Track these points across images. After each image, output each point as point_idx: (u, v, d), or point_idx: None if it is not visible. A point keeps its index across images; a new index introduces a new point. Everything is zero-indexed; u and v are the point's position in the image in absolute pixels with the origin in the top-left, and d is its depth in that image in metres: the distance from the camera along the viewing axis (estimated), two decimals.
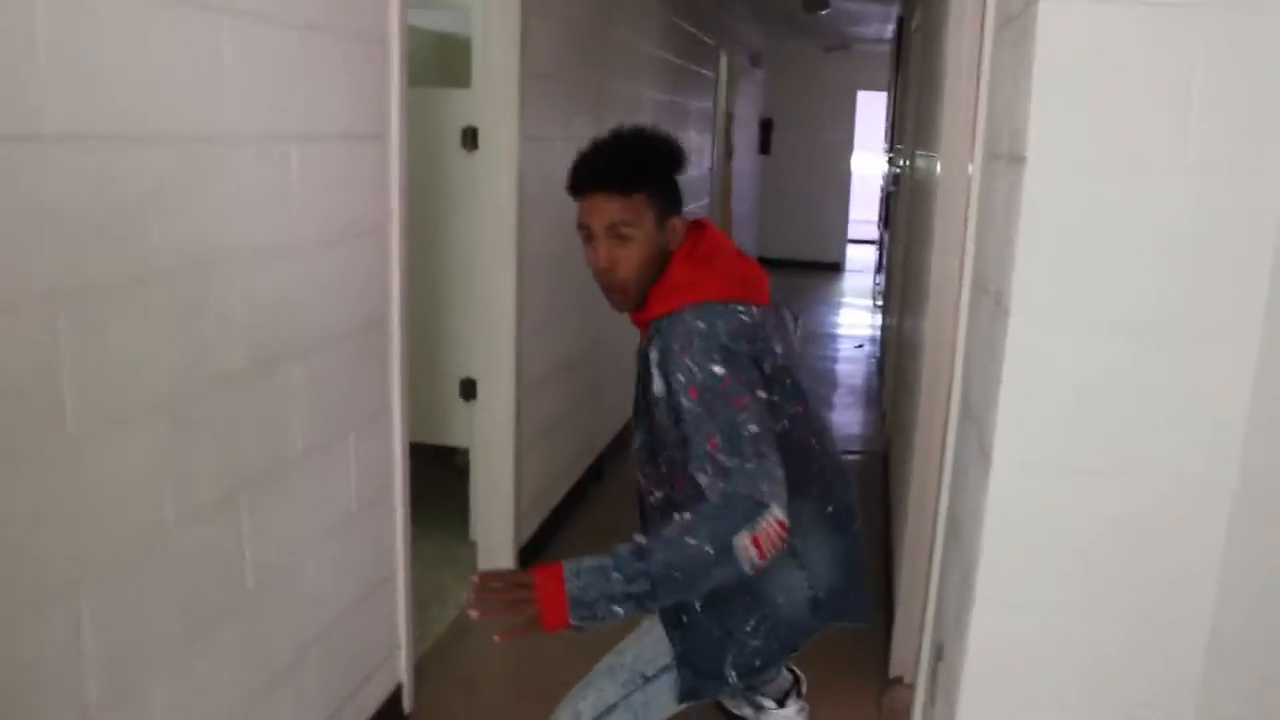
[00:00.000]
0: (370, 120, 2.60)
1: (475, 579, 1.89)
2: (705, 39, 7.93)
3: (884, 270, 9.57)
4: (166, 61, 1.81)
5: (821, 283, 12.28)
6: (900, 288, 5.79)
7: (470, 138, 3.88)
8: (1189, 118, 1.51)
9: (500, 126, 3.72)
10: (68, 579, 1.69)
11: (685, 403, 1.91)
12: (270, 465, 2.25)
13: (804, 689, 2.74)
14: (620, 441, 5.44)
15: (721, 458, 1.84)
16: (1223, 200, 1.51)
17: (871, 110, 13.46)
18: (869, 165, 14.42)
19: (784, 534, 1.82)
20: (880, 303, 9.46)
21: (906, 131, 6.45)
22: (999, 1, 2.04)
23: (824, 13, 8.56)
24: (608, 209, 2.05)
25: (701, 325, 1.95)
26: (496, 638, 1.86)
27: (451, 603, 3.82)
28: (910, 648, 3.21)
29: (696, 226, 2.16)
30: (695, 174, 7.73)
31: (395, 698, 2.99)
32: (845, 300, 11.46)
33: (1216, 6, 1.47)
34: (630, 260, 2.04)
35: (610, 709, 2.17)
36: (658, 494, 2.16)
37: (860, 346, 8.58)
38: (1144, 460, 1.60)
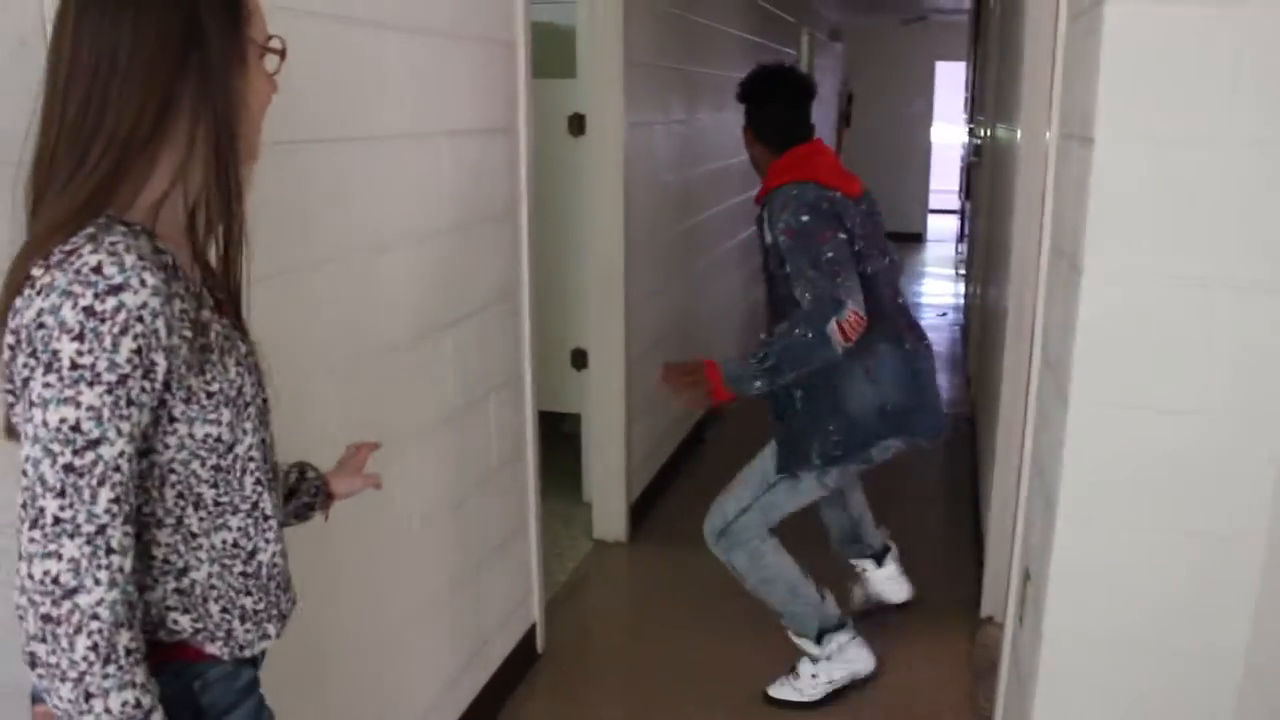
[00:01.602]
0: (502, 115, 2.91)
1: (662, 368, 2.89)
2: (785, 17, 8.13)
3: (966, 240, 9.70)
4: (340, 72, 2.13)
5: (904, 253, 12.38)
6: (983, 257, 5.99)
7: (577, 124, 4.17)
8: (1236, 100, 1.75)
9: (606, 113, 4.00)
10: None
11: (784, 241, 2.80)
12: (426, 423, 2.58)
13: (897, 553, 3.67)
14: (719, 407, 5.72)
15: (810, 273, 2.69)
16: (1265, 171, 1.75)
17: (950, 81, 13.52)
18: (948, 136, 14.46)
19: (862, 322, 2.64)
20: (963, 272, 9.60)
21: (987, 103, 6.61)
22: None
23: None
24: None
25: (795, 192, 2.84)
26: (687, 405, 2.95)
27: (569, 557, 4.15)
28: (1000, 589, 3.46)
29: (811, 142, 3.08)
30: None
31: (529, 637, 3.32)
32: (927, 270, 11.58)
33: (1258, 6, 1.71)
34: (749, 146, 3.20)
35: (747, 508, 3.04)
36: (772, 324, 2.96)
37: (944, 315, 8.75)
38: (1202, 400, 1.85)
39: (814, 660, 3.17)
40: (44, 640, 1.10)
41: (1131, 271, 1.85)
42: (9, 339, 1.14)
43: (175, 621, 1.25)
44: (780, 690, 3.21)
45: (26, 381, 1.11)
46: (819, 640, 3.14)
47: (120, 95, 1.16)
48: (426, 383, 2.57)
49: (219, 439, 1.24)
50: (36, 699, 1.25)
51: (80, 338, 1.09)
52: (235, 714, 1.32)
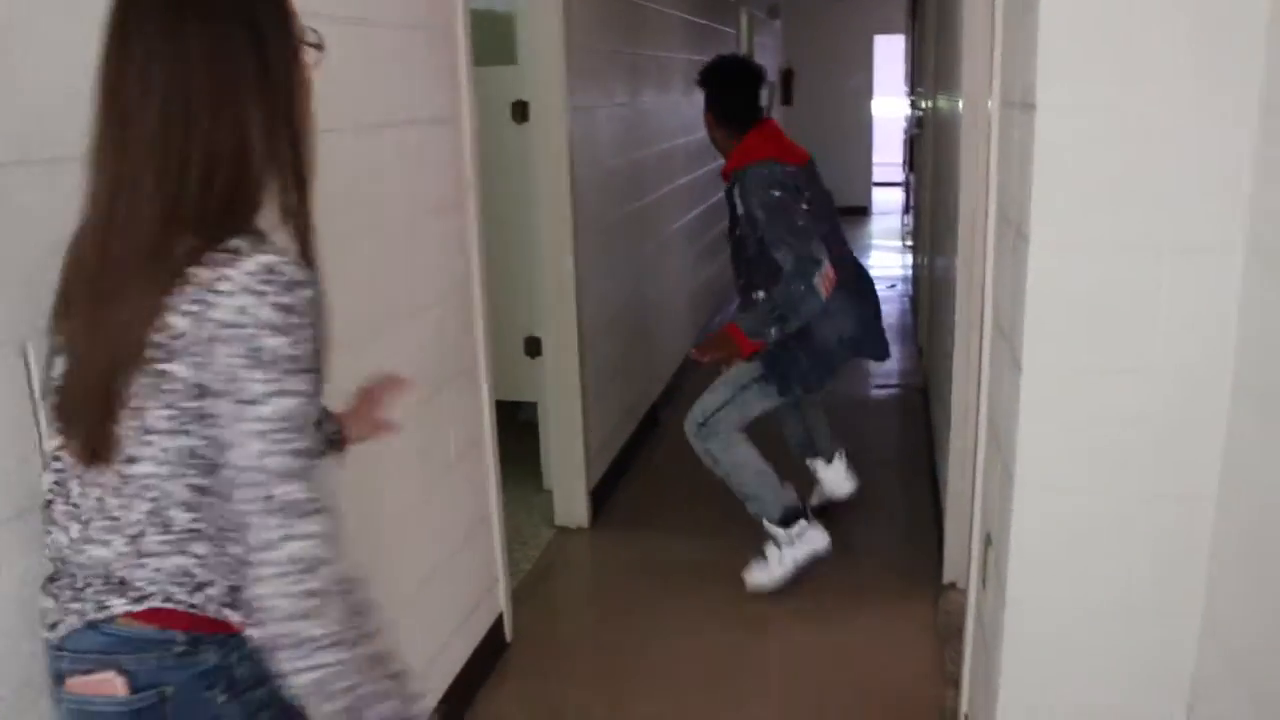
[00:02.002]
0: (444, 104, 2.89)
1: (693, 350, 3.64)
2: None
3: (911, 211, 9.77)
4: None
5: (850, 227, 12.33)
6: (929, 227, 6.04)
7: (520, 111, 4.15)
8: (1177, 63, 1.78)
9: (549, 99, 3.99)
10: None
11: (759, 214, 3.37)
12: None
13: (844, 453, 4.34)
14: (672, 390, 5.74)
15: (790, 239, 3.30)
16: (1205, 132, 1.78)
17: (890, 54, 13.59)
18: (889, 109, 14.55)
19: (834, 274, 3.31)
20: (910, 243, 9.67)
21: (927, 74, 6.66)
22: None
23: None
24: (705, 98, 3.71)
25: (765, 171, 3.43)
26: (708, 361, 3.64)
27: (533, 545, 4.15)
28: (961, 555, 3.50)
29: (766, 122, 3.65)
30: None
31: (498, 625, 3.32)
32: (874, 243, 11.64)
33: None
34: (711, 129, 3.74)
35: (723, 405, 3.61)
36: (741, 281, 3.67)
37: (893, 286, 8.82)
38: (1151, 360, 1.88)
39: (778, 545, 3.71)
40: (307, 616, 1.21)
41: (1078, 237, 1.87)
42: (171, 344, 1.19)
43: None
44: (755, 576, 3.75)
45: (221, 383, 1.18)
46: (784, 524, 3.68)
47: (202, 109, 1.20)
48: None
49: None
50: (62, 676, 1.33)
51: (284, 332, 1.18)
52: (261, 690, 1.35)
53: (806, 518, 3.76)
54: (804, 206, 3.39)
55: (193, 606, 1.30)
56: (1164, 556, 1.95)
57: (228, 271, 1.17)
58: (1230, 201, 1.78)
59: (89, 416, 1.24)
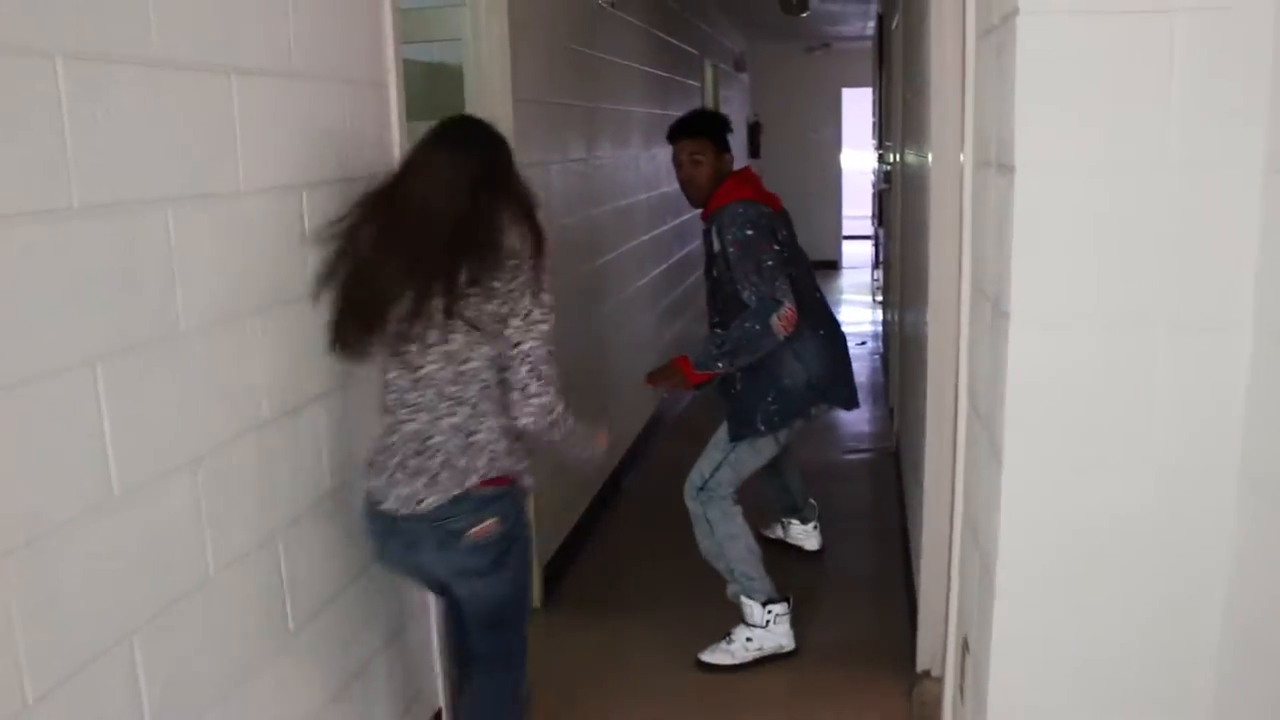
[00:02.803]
0: (372, 163, 2.66)
1: (645, 377, 3.77)
2: (688, 49, 8.01)
3: (881, 266, 9.61)
4: (178, 124, 1.87)
5: (819, 281, 12.28)
6: (900, 285, 5.85)
7: None
8: (1168, 118, 1.58)
9: None
10: (121, 630, 1.75)
11: (732, 252, 3.41)
12: (297, 510, 2.32)
13: (816, 514, 4.55)
14: (637, 455, 5.50)
15: (754, 278, 3.34)
16: (1205, 196, 1.58)
17: (857, 107, 13.54)
18: (858, 161, 14.48)
19: (795, 316, 3.32)
20: (880, 298, 9.49)
21: (894, 129, 6.51)
22: (978, 11, 2.11)
23: (804, 15, 8.62)
24: (689, 145, 3.71)
25: (741, 210, 3.47)
26: (663, 394, 4.15)
27: None
28: (935, 642, 3.27)
29: (743, 169, 3.77)
30: None
31: None
32: (844, 297, 11.46)
33: (1186, 12, 1.53)
34: (701, 175, 3.69)
35: (719, 465, 3.65)
36: (715, 320, 3.65)
37: (863, 343, 8.60)
38: (1149, 453, 1.66)
39: (751, 626, 3.63)
40: (555, 429, 2.30)
41: (1063, 313, 1.66)
42: (493, 309, 2.21)
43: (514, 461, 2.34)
44: (714, 655, 3.64)
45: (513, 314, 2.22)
46: (765, 605, 3.62)
47: (480, 198, 2.23)
48: (294, 464, 2.31)
49: None
50: (458, 532, 2.29)
51: (542, 299, 2.24)
52: (529, 530, 2.46)
53: (788, 602, 3.68)
54: (776, 247, 3.43)
55: (503, 470, 2.30)
56: (1165, 675, 1.72)
57: (517, 274, 2.24)
58: (1236, 272, 1.58)
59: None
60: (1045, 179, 1.62)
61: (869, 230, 13.26)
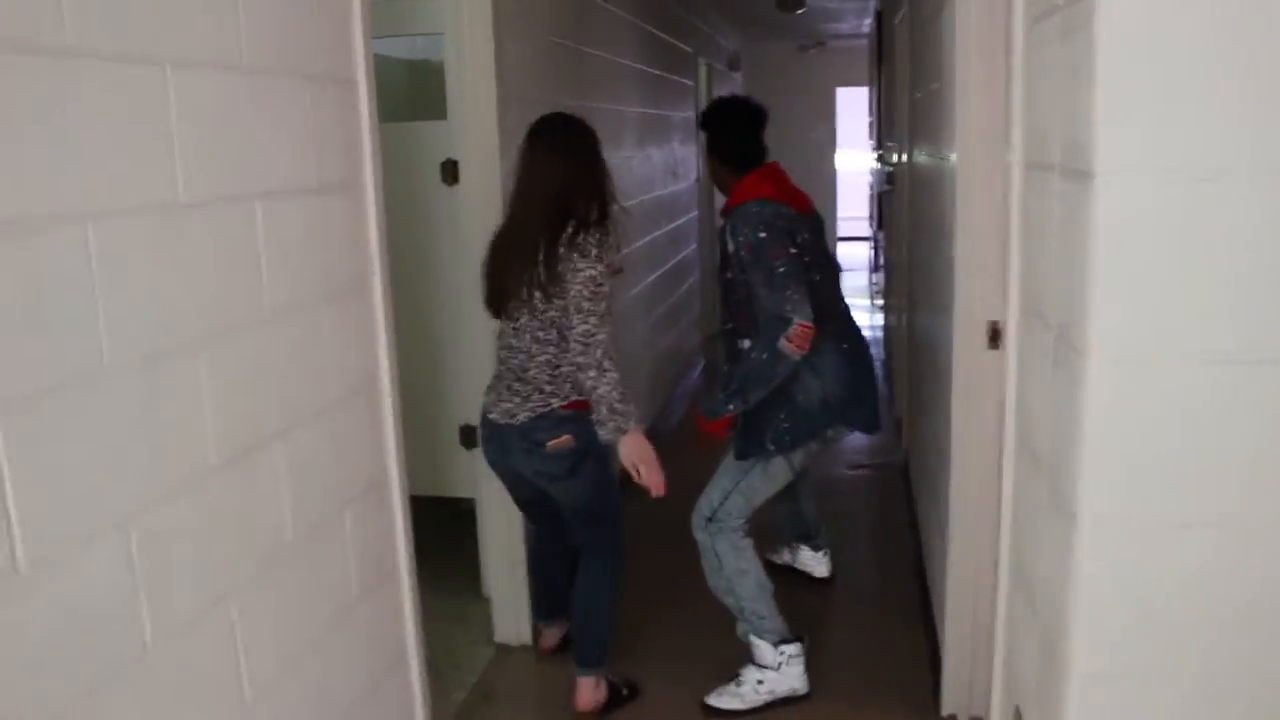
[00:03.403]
0: (340, 168, 2.38)
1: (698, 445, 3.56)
2: (682, 46, 7.74)
3: (883, 269, 9.35)
4: (96, 124, 1.59)
5: None
6: (908, 291, 5.59)
7: (450, 171, 3.67)
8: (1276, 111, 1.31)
9: (480, 157, 3.51)
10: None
11: (743, 255, 3.17)
12: (251, 566, 2.03)
13: (828, 541, 4.28)
14: (627, 477, 5.21)
15: (762, 290, 3.10)
16: None
17: (852, 106, 13.28)
18: (853, 162, 14.22)
19: (810, 330, 3.03)
20: (880, 302, 9.24)
21: (899, 128, 6.25)
22: None
23: (800, 12, 8.36)
24: (707, 138, 3.58)
25: (755, 209, 3.22)
26: (707, 449, 3.49)
27: (468, 669, 3.60)
28: (961, 686, 3.02)
29: (770, 164, 3.46)
30: (683, 186, 7.53)
31: None
32: None
33: None
34: (715, 169, 3.53)
35: (729, 494, 3.37)
36: (730, 324, 3.40)
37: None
38: (1258, 511, 1.39)
39: (761, 668, 3.35)
40: (591, 363, 2.85)
41: (1152, 348, 1.39)
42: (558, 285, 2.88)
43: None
44: (721, 699, 3.36)
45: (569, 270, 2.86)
46: (777, 645, 3.35)
47: (571, 191, 2.96)
48: (248, 513, 2.02)
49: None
50: (541, 442, 3.01)
51: (594, 280, 2.86)
52: (603, 447, 3.02)
53: (802, 641, 3.40)
54: (793, 251, 3.14)
55: (580, 395, 2.94)
56: None
57: (576, 246, 2.88)
58: None
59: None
60: (1134, 187, 1.34)
61: (864, 231, 13.01)
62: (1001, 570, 2.07)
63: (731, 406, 3.20)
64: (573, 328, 2.85)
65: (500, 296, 3.02)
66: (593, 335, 2.84)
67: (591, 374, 2.84)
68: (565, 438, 2.97)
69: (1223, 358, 1.35)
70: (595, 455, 3.03)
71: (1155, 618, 1.46)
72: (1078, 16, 1.42)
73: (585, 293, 2.84)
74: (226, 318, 1.93)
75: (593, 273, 2.85)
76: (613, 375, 2.86)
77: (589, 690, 3.28)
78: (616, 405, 2.87)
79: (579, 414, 2.96)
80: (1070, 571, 1.48)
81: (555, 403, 2.95)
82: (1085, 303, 1.40)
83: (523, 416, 2.97)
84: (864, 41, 11.79)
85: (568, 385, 2.94)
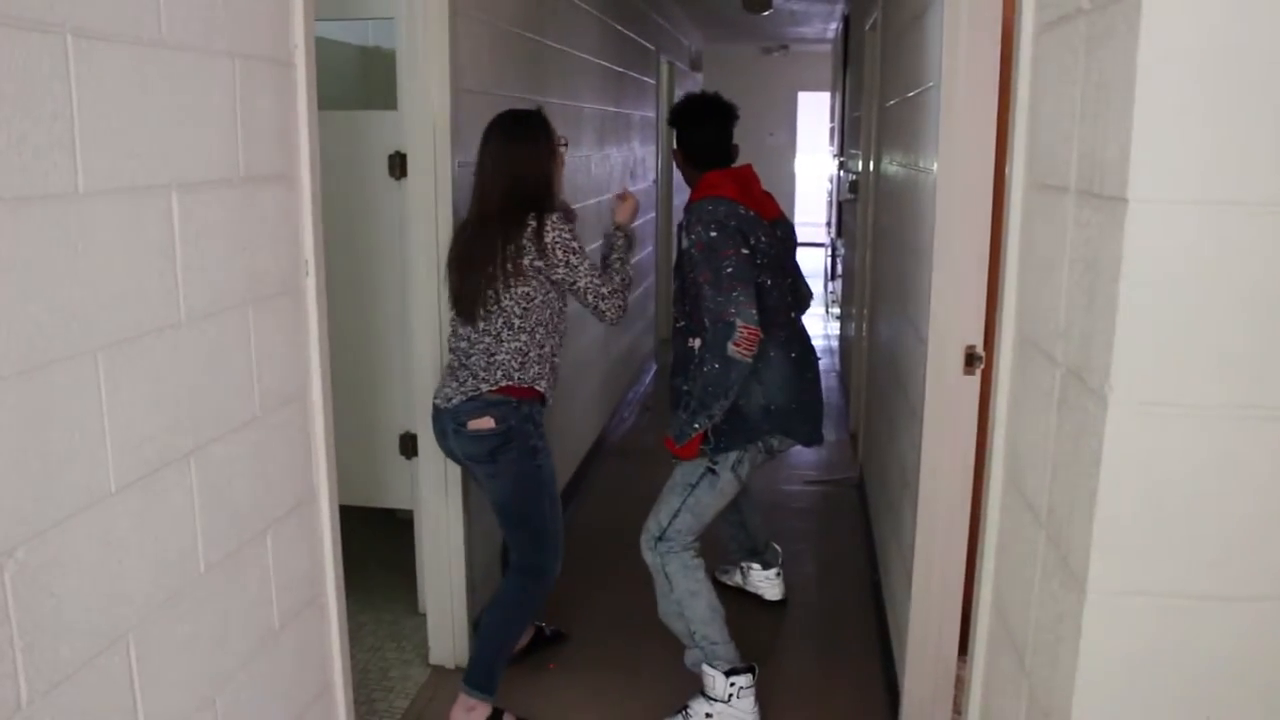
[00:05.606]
0: (272, 158, 2.17)
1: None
2: (644, 44, 7.55)
3: (840, 278, 9.22)
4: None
5: None
6: (869, 302, 5.45)
7: (399, 164, 3.45)
8: None
9: (430, 151, 3.31)
10: None
11: (693, 253, 3.09)
12: (164, 597, 1.82)
13: (780, 561, 4.14)
14: (580, 483, 5.03)
15: (708, 290, 3.02)
16: None
17: (813, 111, 13.18)
18: (811, 167, 14.11)
19: (755, 333, 2.96)
20: (836, 311, 9.11)
21: (864, 135, 6.11)
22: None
23: (766, 13, 8.21)
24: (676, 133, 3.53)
25: (710, 207, 3.14)
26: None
27: (400, 691, 3.39)
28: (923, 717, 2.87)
29: (743, 166, 3.41)
30: (641, 188, 7.34)
31: None
32: None
33: None
34: (680, 165, 3.49)
35: (678, 511, 3.26)
36: (680, 322, 3.31)
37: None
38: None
39: (711, 700, 3.20)
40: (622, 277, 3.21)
41: (1184, 396, 1.22)
42: (540, 256, 2.98)
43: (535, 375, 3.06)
44: None
45: (564, 265, 3.00)
46: (727, 676, 3.19)
47: (523, 176, 3.03)
48: (154, 542, 1.81)
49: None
50: (463, 421, 3.04)
51: (573, 248, 3.00)
52: (536, 443, 3.07)
53: (753, 672, 3.23)
54: (744, 252, 3.05)
55: (521, 380, 3.02)
56: None
57: (545, 219, 2.97)
58: None
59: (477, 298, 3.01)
60: (1174, 218, 1.17)
61: (819, 238, 12.90)
62: (981, 612, 1.90)
63: (698, 425, 3.09)
64: (576, 289, 3.04)
65: (469, 301, 3.01)
66: (594, 287, 3.04)
67: (618, 295, 3.10)
68: (486, 419, 2.99)
69: (1271, 415, 1.19)
70: (520, 449, 3.03)
71: (1177, 702, 1.29)
72: (1112, 22, 1.25)
73: (571, 260, 2.99)
74: (132, 322, 1.71)
75: (563, 237, 2.97)
76: (621, 278, 3.17)
77: (461, 713, 3.14)
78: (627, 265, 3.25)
79: (506, 400, 3.00)
80: (1079, 649, 1.32)
81: (485, 387, 2.98)
82: (1108, 343, 1.23)
83: (456, 400, 3.01)
84: (828, 46, 11.68)
85: (499, 372, 2.98)
